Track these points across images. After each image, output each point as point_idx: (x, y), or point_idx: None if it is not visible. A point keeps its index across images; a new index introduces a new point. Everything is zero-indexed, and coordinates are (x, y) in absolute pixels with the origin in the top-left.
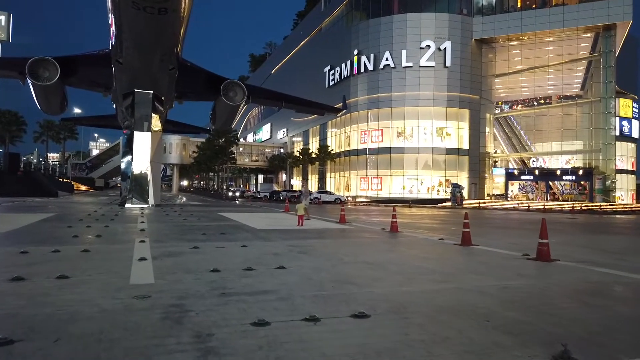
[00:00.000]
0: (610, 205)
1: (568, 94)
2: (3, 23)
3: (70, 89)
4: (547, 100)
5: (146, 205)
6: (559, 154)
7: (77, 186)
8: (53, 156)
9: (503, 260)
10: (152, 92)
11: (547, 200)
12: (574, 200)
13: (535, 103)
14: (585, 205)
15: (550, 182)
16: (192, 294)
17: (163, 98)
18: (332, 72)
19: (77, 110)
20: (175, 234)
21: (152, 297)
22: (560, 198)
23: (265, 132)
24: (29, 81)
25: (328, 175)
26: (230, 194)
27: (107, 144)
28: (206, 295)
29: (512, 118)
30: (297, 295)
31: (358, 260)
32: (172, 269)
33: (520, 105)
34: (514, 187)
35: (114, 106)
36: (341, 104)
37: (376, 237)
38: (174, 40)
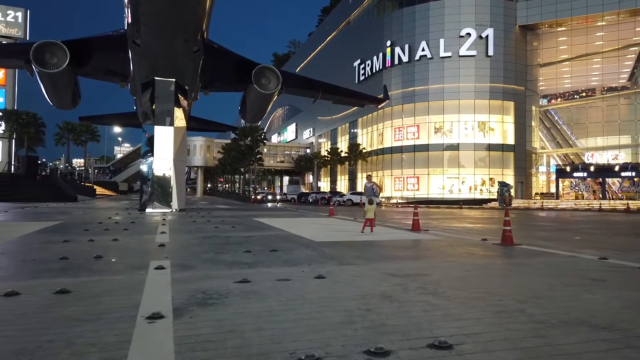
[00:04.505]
0: None
1: (613, 86)
2: (20, 19)
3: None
4: (590, 93)
5: (169, 210)
6: (615, 148)
7: (100, 190)
8: (79, 162)
9: None
10: (174, 80)
11: (610, 199)
12: (631, 199)
13: (576, 96)
14: None
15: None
16: None
17: (187, 87)
18: (362, 66)
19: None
20: (208, 252)
21: None
22: (614, 197)
23: (290, 133)
24: (35, 69)
25: (359, 175)
26: (270, 197)
27: (132, 148)
28: None
29: (553, 112)
30: None
31: (563, 318)
32: (216, 352)
33: (559, 99)
34: (565, 185)
35: (134, 107)
36: (382, 95)
37: (499, 255)
38: (200, 13)
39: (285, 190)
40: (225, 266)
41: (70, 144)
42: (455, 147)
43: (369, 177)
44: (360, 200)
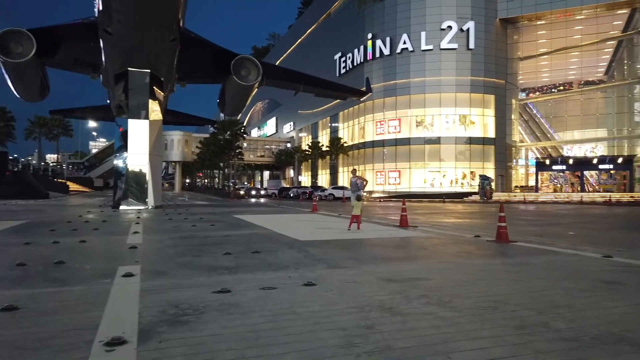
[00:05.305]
0: None
1: (589, 80)
2: None
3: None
4: (567, 87)
5: (144, 207)
6: (593, 141)
7: (73, 187)
8: (53, 157)
9: None
10: (149, 71)
11: (589, 192)
12: (608, 191)
13: (554, 89)
14: None
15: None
16: None
17: (162, 79)
18: (343, 59)
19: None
20: (184, 255)
21: None
22: (592, 189)
23: (270, 127)
24: None
25: (340, 169)
26: (254, 192)
27: (107, 143)
28: None
29: (531, 105)
30: None
31: (594, 333)
32: None
33: (537, 92)
34: (543, 178)
35: (108, 100)
36: (364, 87)
37: (497, 254)
38: None
39: (266, 184)
40: (203, 272)
41: (43, 139)
42: (436, 141)
43: (353, 172)
44: (343, 195)
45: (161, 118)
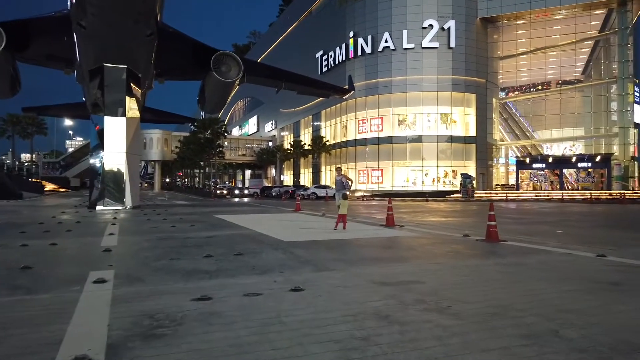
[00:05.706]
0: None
1: (567, 79)
2: None
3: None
4: (546, 86)
5: (122, 207)
6: (571, 140)
7: (49, 186)
8: (26, 156)
9: None
10: (125, 67)
11: (568, 190)
12: (587, 189)
13: (533, 89)
14: (620, 194)
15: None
16: None
17: (140, 75)
18: (325, 57)
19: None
20: (161, 258)
21: None
22: (571, 187)
23: (251, 126)
24: None
25: (323, 168)
26: (237, 191)
27: (84, 142)
28: None
29: (511, 104)
30: None
31: (609, 342)
32: None
33: (517, 92)
34: (523, 176)
35: (83, 97)
36: (346, 85)
37: (489, 254)
38: None
39: (247, 184)
40: (181, 277)
41: (16, 137)
42: (418, 140)
43: (338, 170)
44: (326, 194)
45: (138, 116)
